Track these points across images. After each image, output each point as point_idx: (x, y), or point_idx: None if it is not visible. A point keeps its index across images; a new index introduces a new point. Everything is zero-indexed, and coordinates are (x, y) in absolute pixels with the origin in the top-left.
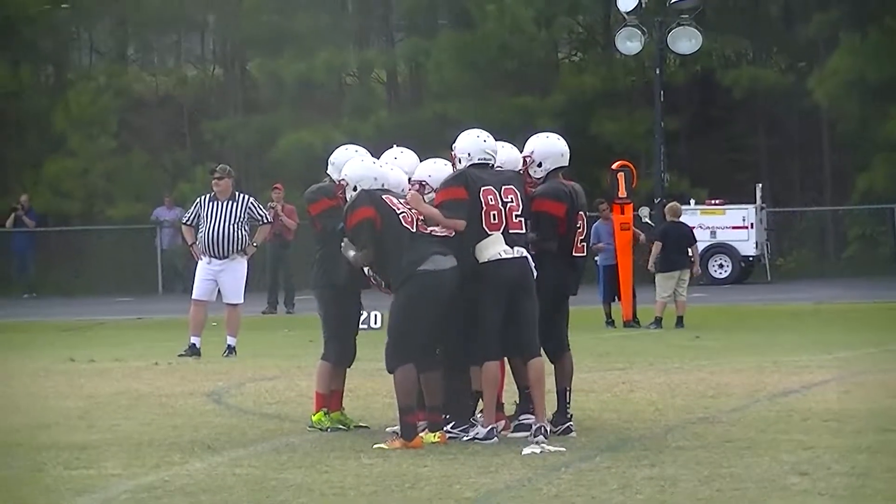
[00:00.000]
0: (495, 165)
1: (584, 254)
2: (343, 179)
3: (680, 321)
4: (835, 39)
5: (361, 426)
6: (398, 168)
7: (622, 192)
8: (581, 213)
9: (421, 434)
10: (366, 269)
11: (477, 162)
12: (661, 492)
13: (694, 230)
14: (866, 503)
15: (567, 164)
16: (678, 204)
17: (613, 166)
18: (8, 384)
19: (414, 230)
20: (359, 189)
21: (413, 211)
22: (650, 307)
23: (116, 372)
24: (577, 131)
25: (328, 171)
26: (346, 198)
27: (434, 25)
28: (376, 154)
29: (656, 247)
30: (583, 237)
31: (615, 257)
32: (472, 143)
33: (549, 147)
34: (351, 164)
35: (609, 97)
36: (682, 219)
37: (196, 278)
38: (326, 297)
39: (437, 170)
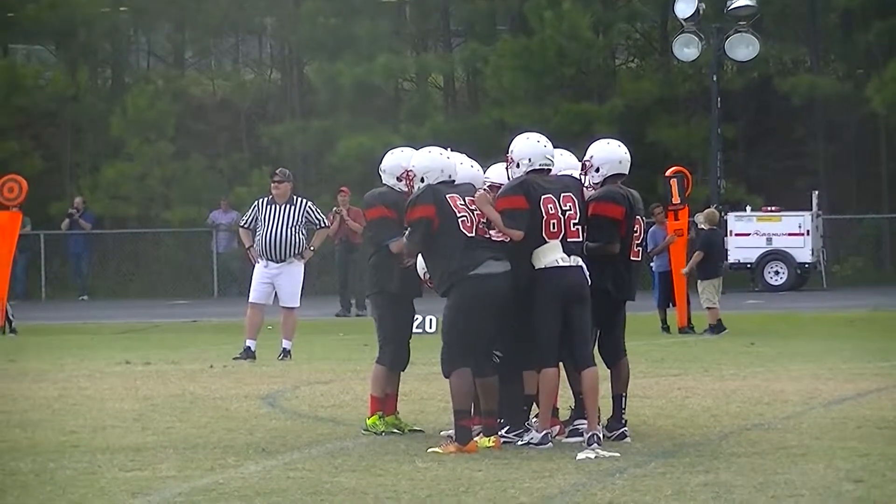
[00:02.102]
0: (552, 171)
1: (640, 258)
2: (411, 170)
3: (721, 325)
4: (894, 47)
5: (416, 430)
6: (476, 165)
7: (675, 199)
8: (638, 217)
9: (475, 438)
10: (420, 271)
11: (537, 168)
12: (716, 498)
13: (751, 236)
14: None
15: (626, 173)
16: (715, 211)
17: (667, 172)
18: (64, 386)
19: (472, 234)
20: (426, 182)
21: (476, 213)
22: (701, 313)
23: (172, 375)
24: (634, 138)
25: (384, 181)
26: (412, 188)
27: (492, 31)
28: None
29: (698, 255)
30: (639, 241)
31: (670, 263)
32: (533, 149)
33: (609, 153)
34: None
35: (666, 104)
36: (738, 225)
37: (253, 281)
38: (380, 303)
39: None
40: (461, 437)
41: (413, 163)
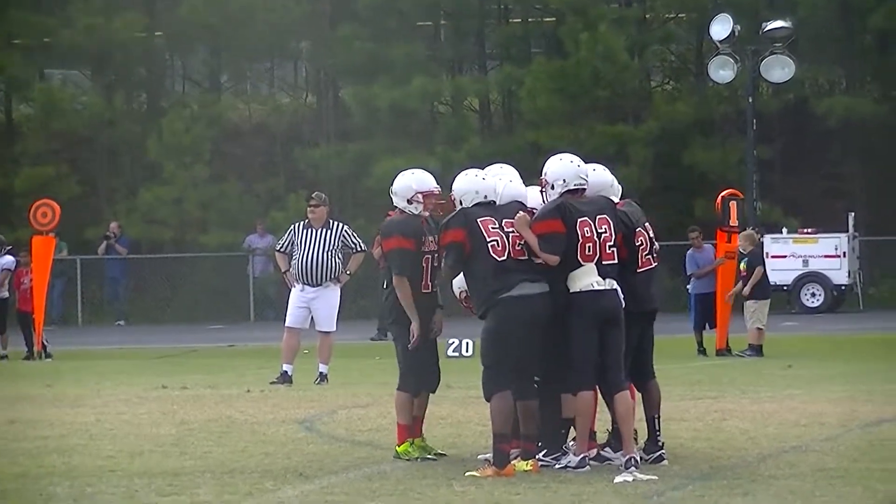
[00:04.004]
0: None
1: (652, 266)
2: (452, 194)
3: (761, 350)
4: None
5: (440, 454)
6: (516, 182)
7: (734, 221)
8: (640, 229)
9: (513, 462)
10: (456, 290)
11: (572, 188)
12: None
13: (787, 259)
14: None
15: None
16: (754, 232)
17: (723, 194)
18: (101, 411)
19: (503, 258)
20: (462, 204)
21: (512, 235)
22: (739, 336)
23: (209, 399)
24: (669, 160)
25: (394, 203)
26: (441, 210)
27: (527, 54)
28: (443, 181)
29: (758, 272)
30: (646, 252)
31: (710, 286)
32: (567, 169)
33: (597, 178)
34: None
35: (701, 126)
36: (775, 247)
37: (289, 305)
38: (398, 331)
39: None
40: (499, 460)
41: (454, 186)
